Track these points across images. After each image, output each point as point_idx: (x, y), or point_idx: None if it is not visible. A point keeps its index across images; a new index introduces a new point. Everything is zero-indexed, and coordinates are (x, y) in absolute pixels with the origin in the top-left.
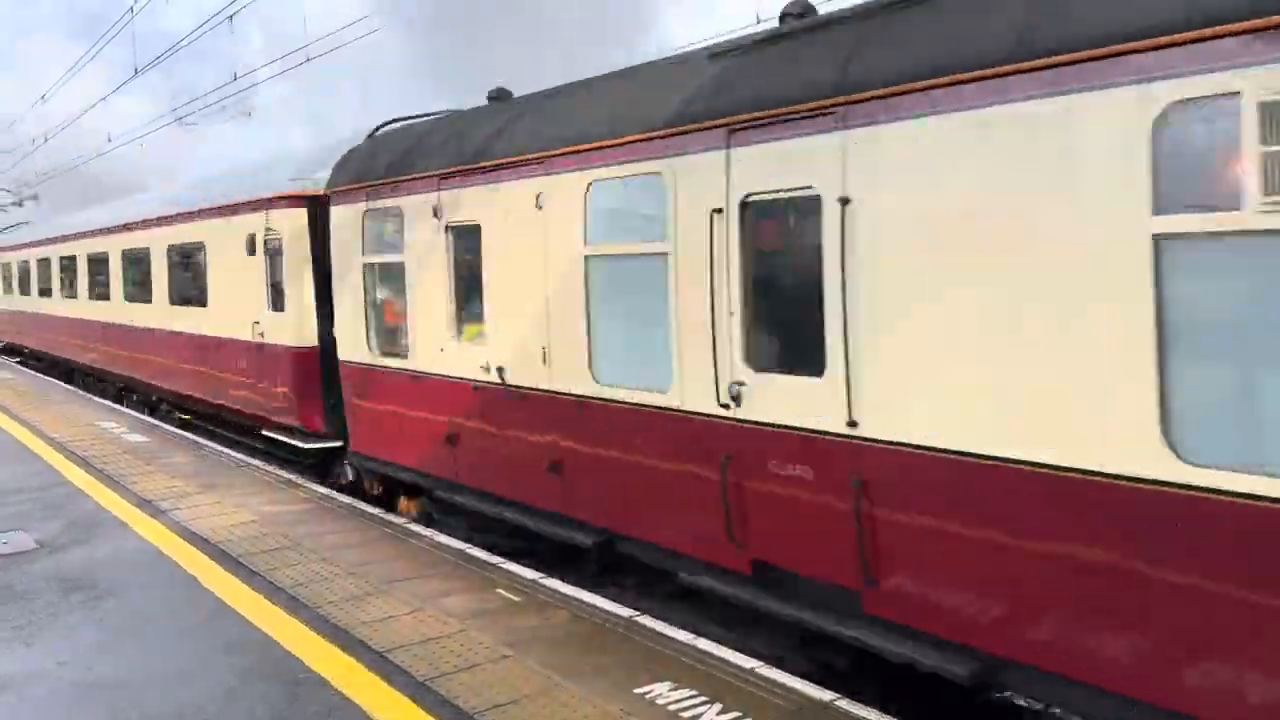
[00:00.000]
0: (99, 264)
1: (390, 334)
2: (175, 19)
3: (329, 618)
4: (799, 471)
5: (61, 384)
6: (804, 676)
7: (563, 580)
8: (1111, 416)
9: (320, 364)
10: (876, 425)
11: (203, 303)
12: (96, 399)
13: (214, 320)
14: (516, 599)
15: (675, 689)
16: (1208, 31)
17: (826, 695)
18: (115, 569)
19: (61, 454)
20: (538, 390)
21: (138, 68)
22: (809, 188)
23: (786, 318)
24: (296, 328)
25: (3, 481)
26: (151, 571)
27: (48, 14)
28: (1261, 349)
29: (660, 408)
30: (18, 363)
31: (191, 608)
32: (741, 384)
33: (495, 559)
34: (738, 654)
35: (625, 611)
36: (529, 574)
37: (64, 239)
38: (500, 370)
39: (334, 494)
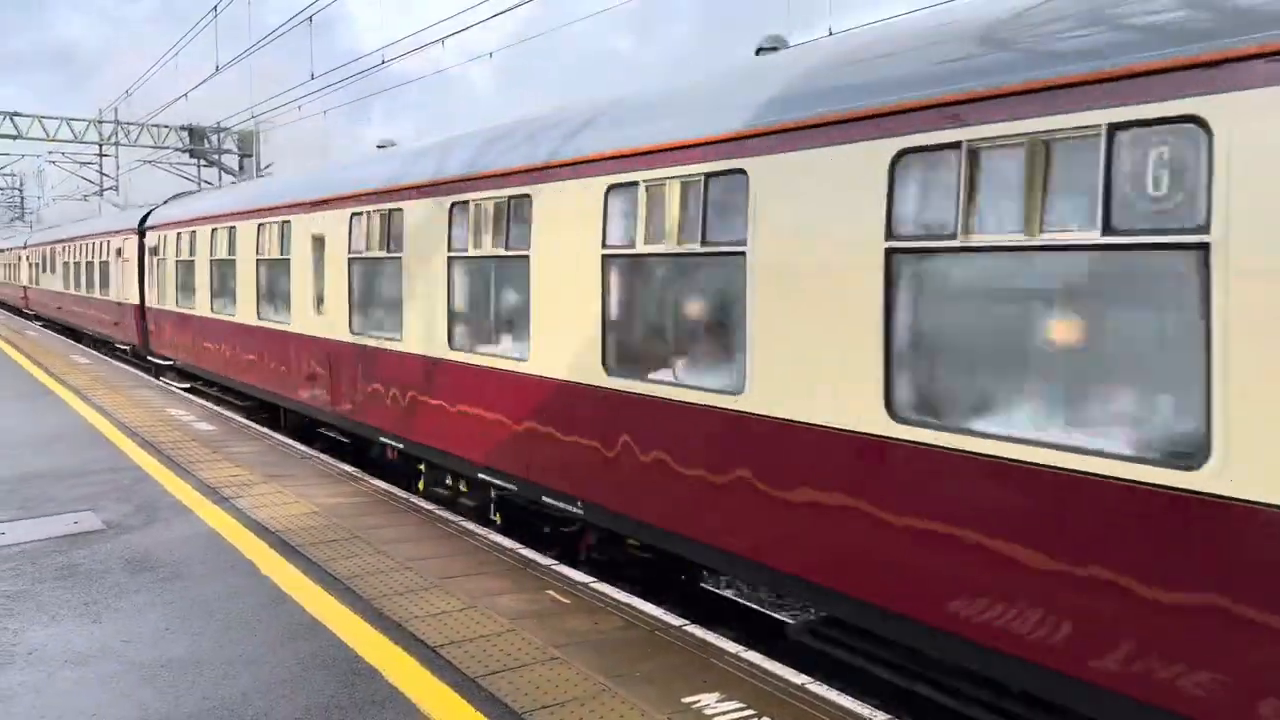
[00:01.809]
0: (72, 261)
1: (180, 294)
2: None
3: (383, 610)
4: None
5: (131, 369)
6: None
7: (614, 585)
8: None
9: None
10: None
11: (106, 284)
12: (164, 385)
13: (119, 292)
14: (567, 601)
15: (723, 700)
16: None
17: (879, 716)
18: (179, 552)
19: (131, 439)
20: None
21: (219, 65)
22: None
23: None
24: (136, 295)
25: (74, 464)
26: (214, 557)
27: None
28: None
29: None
30: (44, 325)
31: (252, 594)
32: None
33: (548, 560)
34: (788, 669)
35: (676, 620)
36: (580, 577)
37: (51, 243)
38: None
39: (392, 489)
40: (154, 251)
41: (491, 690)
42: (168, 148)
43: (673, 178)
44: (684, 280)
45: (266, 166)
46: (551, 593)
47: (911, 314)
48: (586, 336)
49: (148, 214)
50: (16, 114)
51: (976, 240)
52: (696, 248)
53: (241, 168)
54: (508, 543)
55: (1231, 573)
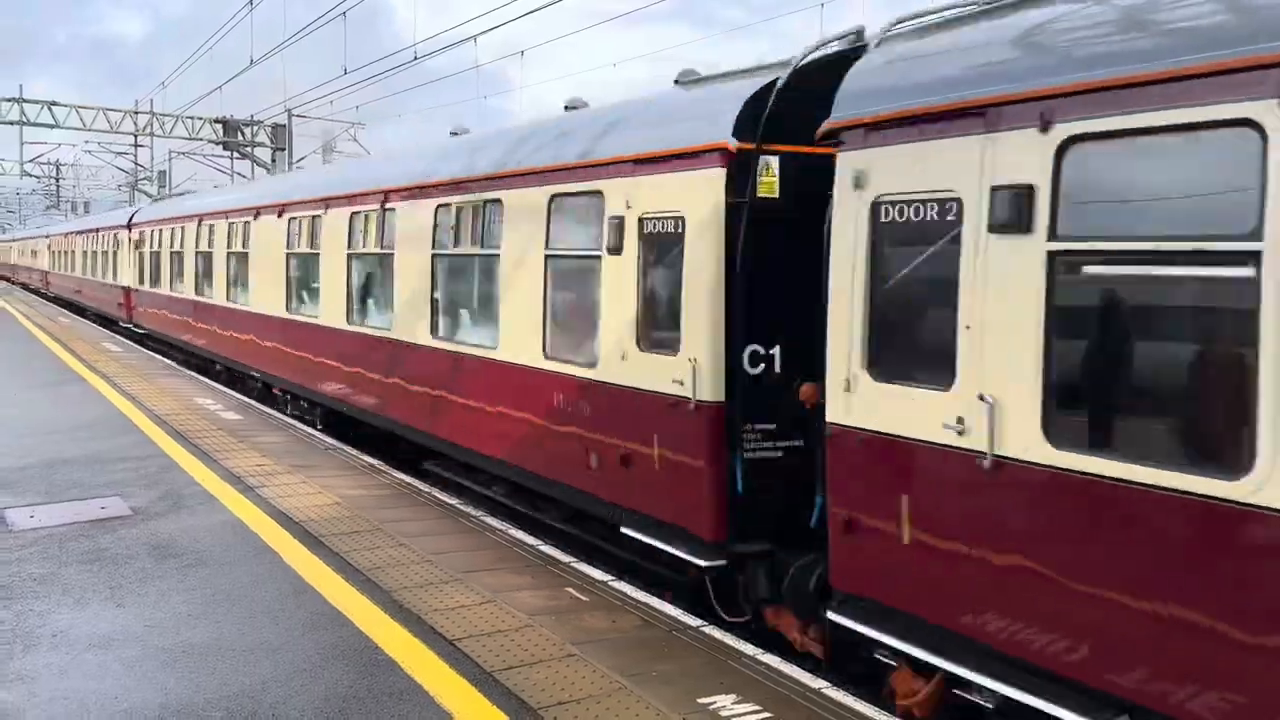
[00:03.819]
0: (80, 250)
1: (152, 277)
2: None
3: (403, 602)
4: None
5: (162, 359)
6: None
7: (633, 584)
8: None
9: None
10: None
11: (109, 269)
12: (194, 375)
13: (114, 276)
14: (585, 599)
15: (739, 702)
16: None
17: None
18: (204, 540)
19: (160, 427)
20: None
21: (253, 58)
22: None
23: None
24: (127, 278)
25: (103, 450)
26: (238, 545)
27: None
28: None
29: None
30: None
31: (274, 583)
32: None
33: (567, 557)
34: (805, 672)
35: (694, 620)
36: (600, 575)
37: (65, 234)
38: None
39: (415, 482)
40: (138, 245)
41: (508, 685)
42: (201, 139)
43: (468, 201)
44: (474, 273)
45: (299, 160)
46: (570, 590)
47: (555, 297)
48: (422, 310)
49: (134, 213)
50: (54, 104)
51: (573, 251)
52: (479, 250)
53: (274, 160)
54: (529, 539)
55: (553, 404)
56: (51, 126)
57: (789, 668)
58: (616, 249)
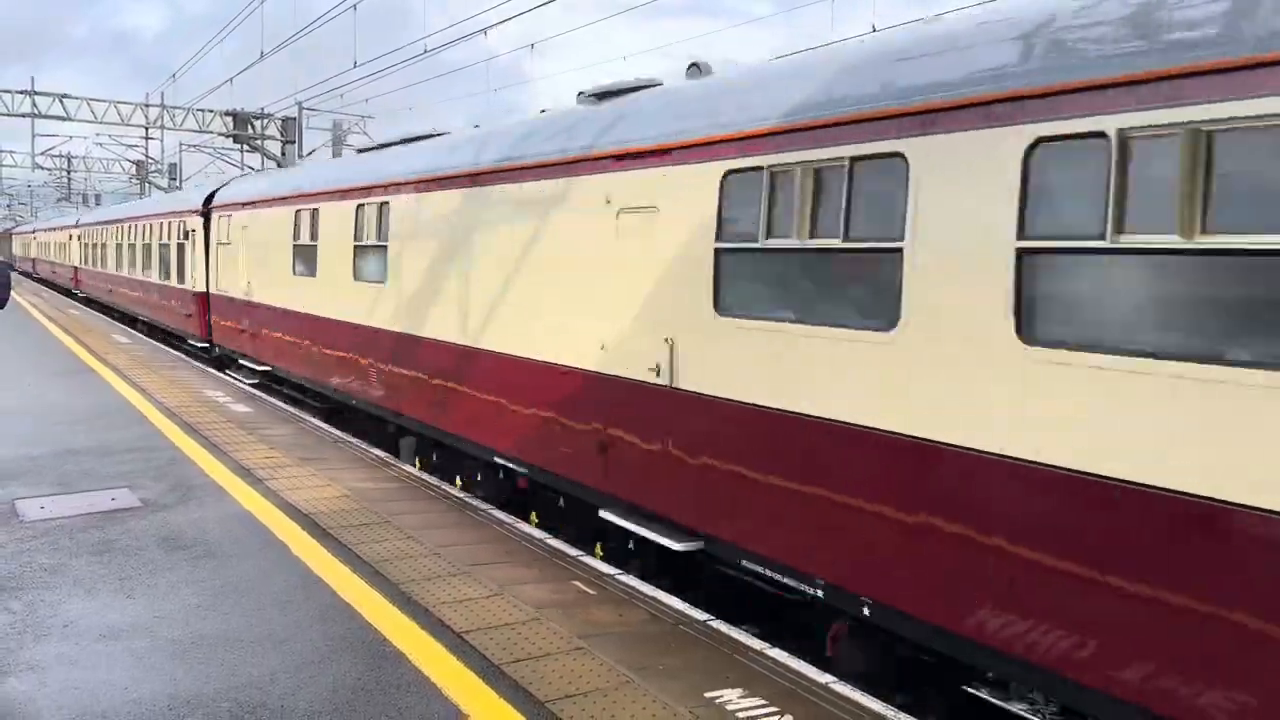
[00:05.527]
0: (52, 242)
1: (88, 260)
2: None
3: (411, 595)
4: None
5: (171, 351)
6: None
7: (640, 578)
8: None
9: (77, 273)
10: None
11: (68, 258)
12: (203, 367)
13: (74, 260)
14: (592, 592)
15: (745, 696)
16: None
17: (901, 716)
18: (213, 532)
19: (169, 419)
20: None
21: (264, 51)
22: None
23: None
24: (76, 262)
25: (113, 442)
26: (247, 537)
27: None
28: None
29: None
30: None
31: (283, 574)
32: None
33: (575, 551)
34: (812, 667)
35: (701, 615)
36: (607, 569)
37: (44, 229)
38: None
39: (424, 475)
40: (80, 239)
41: (516, 678)
42: (211, 132)
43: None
44: (137, 248)
45: (309, 153)
46: (577, 583)
47: (184, 259)
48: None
49: (78, 218)
50: (66, 96)
51: (175, 242)
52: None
53: (284, 153)
54: (536, 533)
55: (177, 299)
56: (63, 119)
57: (796, 662)
58: (189, 241)
